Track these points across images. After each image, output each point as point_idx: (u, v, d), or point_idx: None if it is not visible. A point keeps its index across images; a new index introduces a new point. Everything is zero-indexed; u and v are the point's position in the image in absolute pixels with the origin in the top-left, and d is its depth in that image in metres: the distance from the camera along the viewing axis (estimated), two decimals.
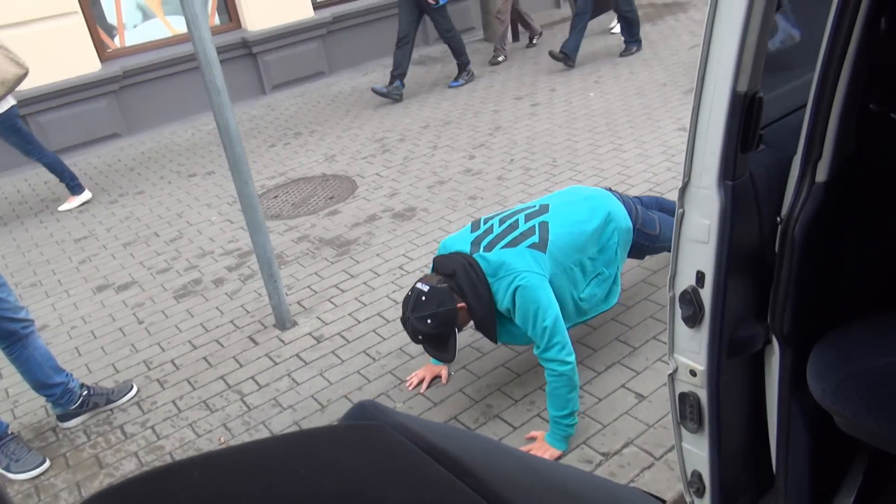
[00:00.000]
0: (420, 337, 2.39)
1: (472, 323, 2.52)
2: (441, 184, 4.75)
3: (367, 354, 3.11)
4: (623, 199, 2.76)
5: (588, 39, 7.80)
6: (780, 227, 1.33)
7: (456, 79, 6.99)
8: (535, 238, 2.45)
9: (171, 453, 2.71)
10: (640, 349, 2.86)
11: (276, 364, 3.15)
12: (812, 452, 1.51)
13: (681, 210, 1.38)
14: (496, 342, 2.54)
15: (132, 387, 3.09)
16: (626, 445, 2.41)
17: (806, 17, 1.40)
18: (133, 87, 6.70)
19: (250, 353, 3.26)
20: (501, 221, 2.58)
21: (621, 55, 6.97)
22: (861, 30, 1.14)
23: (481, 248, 2.47)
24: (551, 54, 6.81)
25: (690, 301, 1.43)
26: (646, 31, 7.80)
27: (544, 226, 2.50)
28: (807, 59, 1.43)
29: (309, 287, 3.74)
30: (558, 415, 2.38)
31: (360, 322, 3.36)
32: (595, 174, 4.47)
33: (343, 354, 3.14)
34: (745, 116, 1.21)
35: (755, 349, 1.53)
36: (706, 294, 1.41)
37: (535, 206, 2.64)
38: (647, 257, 3.22)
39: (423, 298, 2.35)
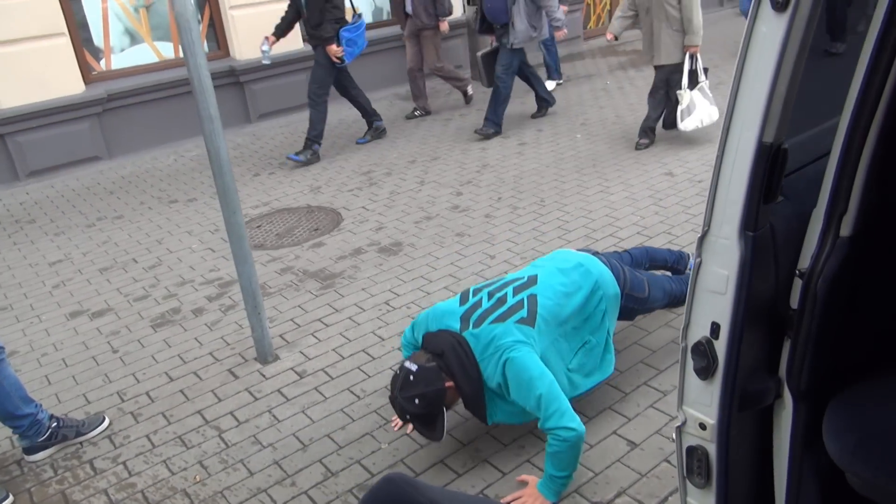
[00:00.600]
0: (408, 417, 2.38)
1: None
2: (428, 219, 4.72)
3: (352, 392, 3.03)
4: (610, 263, 2.75)
5: (575, 81, 7.92)
6: (801, 281, 1.30)
7: (364, 135, 6.60)
8: (523, 312, 2.45)
9: (144, 491, 2.59)
10: (631, 395, 2.81)
11: (257, 399, 3.05)
12: None
13: (698, 259, 1.35)
14: (486, 423, 2.51)
15: (104, 419, 2.97)
16: (618, 495, 2.34)
17: (823, 66, 1.40)
18: (116, 111, 6.62)
19: (230, 388, 3.16)
20: (490, 295, 2.57)
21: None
22: (894, 83, 1.14)
23: (470, 325, 2.46)
24: (477, 132, 6.32)
25: (704, 353, 1.39)
26: (630, 76, 7.95)
27: (533, 299, 2.50)
28: (822, 109, 1.43)
29: (292, 320, 3.66)
30: (556, 475, 2.31)
31: (344, 358, 3.27)
32: (583, 215, 4.47)
33: (326, 391, 3.05)
34: (770, 167, 1.19)
35: (766, 403, 1.49)
36: (720, 346, 1.38)
37: (523, 278, 2.63)
38: None
39: (412, 378, 2.33)
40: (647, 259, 3.09)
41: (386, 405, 2.91)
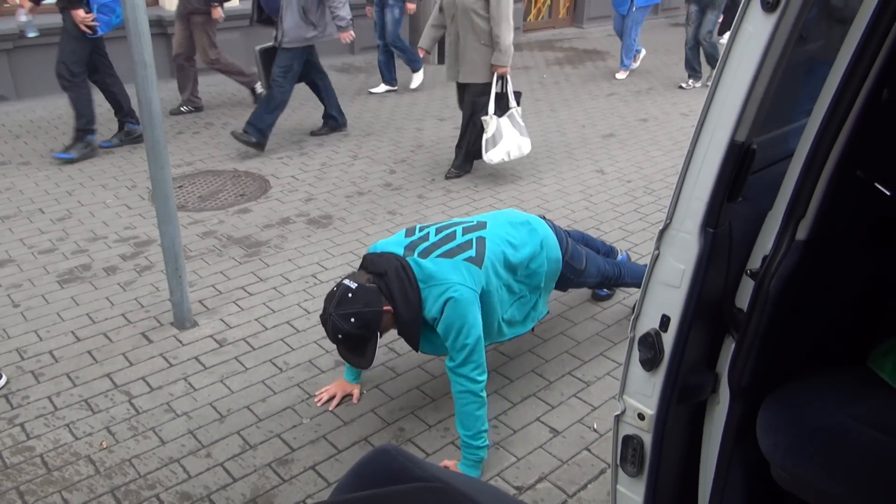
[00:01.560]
0: (340, 336, 2.24)
1: (394, 334, 2.44)
2: (360, 195, 4.63)
3: (274, 364, 2.94)
4: (556, 229, 2.77)
5: (513, 73, 7.95)
6: (752, 280, 1.34)
7: (66, 150, 5.06)
8: (471, 252, 2.41)
9: (43, 455, 2.42)
10: (556, 384, 2.85)
11: (172, 366, 2.91)
12: None
13: (656, 252, 1.36)
14: (417, 350, 2.46)
15: (0, 375, 2.76)
16: (539, 480, 2.37)
17: (789, 70, 1.44)
18: (29, 49, 6.15)
19: (142, 352, 3.00)
20: (438, 231, 2.51)
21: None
22: (864, 97, 1.17)
23: (416, 253, 2.39)
24: (234, 134, 5.24)
25: (652, 345, 1.41)
26: (566, 72, 8.06)
27: (481, 241, 2.46)
28: (786, 111, 1.47)
29: (213, 286, 3.51)
30: (467, 434, 2.32)
31: (267, 329, 3.17)
32: (515, 203, 4.50)
33: (247, 362, 2.95)
34: (738, 166, 1.21)
35: (702, 397, 1.53)
36: (668, 339, 1.40)
37: (472, 222, 2.59)
38: (567, 292, 3.26)
39: (350, 296, 2.22)
40: (582, 240, 3.13)
41: (310, 379, 2.84)
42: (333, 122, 5.80)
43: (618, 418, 1.56)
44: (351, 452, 2.48)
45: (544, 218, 2.83)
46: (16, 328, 3.13)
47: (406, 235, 2.52)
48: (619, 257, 3.31)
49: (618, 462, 1.61)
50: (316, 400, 2.71)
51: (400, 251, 2.42)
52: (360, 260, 3.63)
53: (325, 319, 2.27)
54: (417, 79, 7.27)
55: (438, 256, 2.38)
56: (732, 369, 1.40)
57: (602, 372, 2.92)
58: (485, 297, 2.40)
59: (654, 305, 1.40)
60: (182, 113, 6.25)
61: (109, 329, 3.15)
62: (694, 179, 1.27)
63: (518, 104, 4.66)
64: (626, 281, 3.10)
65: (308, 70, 5.39)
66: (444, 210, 4.42)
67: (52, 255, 3.77)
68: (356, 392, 2.73)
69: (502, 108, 4.58)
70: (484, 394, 2.33)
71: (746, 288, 1.39)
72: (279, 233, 4.08)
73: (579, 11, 10.64)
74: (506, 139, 4.56)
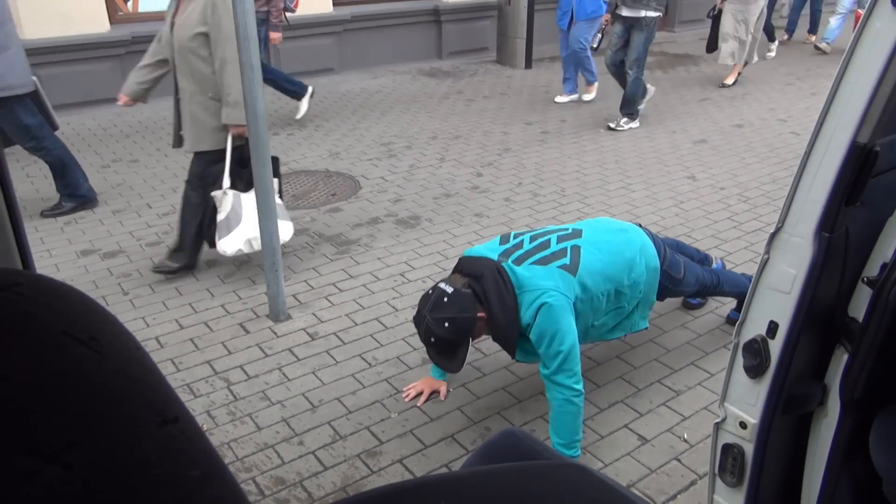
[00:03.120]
0: (432, 339, 2.28)
1: (484, 336, 2.46)
2: (447, 196, 4.69)
3: (363, 359, 3.01)
4: (653, 237, 2.72)
5: (603, 77, 7.85)
6: (870, 289, 1.28)
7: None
8: (566, 260, 2.39)
9: None
10: (644, 391, 2.80)
11: (267, 356, 3.03)
12: None
13: (766, 256, 1.33)
14: (514, 357, 2.46)
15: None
16: (627, 488, 2.34)
17: None
18: (139, 54, 6.50)
19: (240, 341, 3.14)
20: (532, 239, 2.51)
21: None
22: None
23: (510, 260, 2.40)
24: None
25: (758, 351, 1.38)
26: (657, 77, 7.89)
27: (576, 250, 2.44)
28: None
29: (306, 282, 3.63)
30: (560, 442, 2.33)
31: (357, 325, 3.25)
32: (603, 209, 4.45)
33: (338, 355, 3.04)
34: (859, 168, 1.17)
35: (809, 409, 1.48)
36: (775, 346, 1.36)
37: (567, 230, 2.58)
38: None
39: (446, 300, 2.25)
40: (676, 248, 3.06)
41: (398, 375, 2.90)
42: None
43: (717, 426, 1.53)
44: (437, 448, 2.52)
45: (641, 226, 2.79)
46: (125, 314, 3.33)
47: (500, 243, 2.53)
48: (715, 265, 3.22)
49: (716, 471, 1.57)
50: (404, 395, 2.76)
51: (494, 257, 2.43)
52: (448, 260, 3.70)
53: (419, 322, 2.31)
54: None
55: (532, 263, 2.38)
56: (845, 381, 1.34)
57: (693, 382, 2.85)
58: (578, 306, 2.39)
59: (761, 311, 1.37)
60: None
61: (210, 319, 3.31)
62: (810, 181, 1.23)
63: (280, 186, 3.42)
64: (723, 290, 3.01)
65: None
66: (531, 213, 4.41)
67: (157, 247, 3.99)
68: (443, 389, 2.76)
69: (245, 182, 3.33)
70: (581, 402, 2.31)
71: (862, 296, 1.34)
72: (369, 232, 4.17)
73: (671, 15, 10.38)
74: (244, 223, 3.32)
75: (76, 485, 0.25)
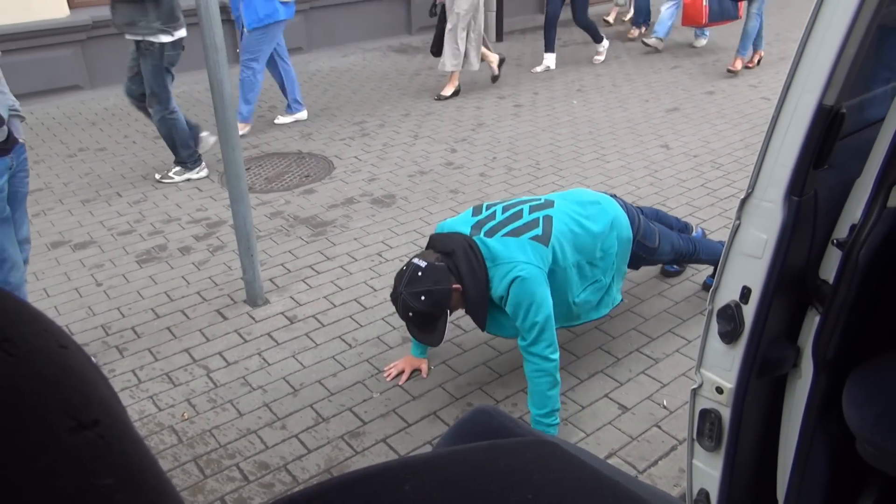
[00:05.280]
0: (410, 314, 2.30)
1: (460, 310, 2.47)
2: (422, 174, 4.66)
3: (343, 340, 3.00)
4: (627, 207, 2.72)
5: (573, 47, 7.83)
6: (839, 250, 1.29)
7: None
8: (538, 230, 2.39)
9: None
10: (624, 360, 2.83)
11: (246, 341, 3.01)
12: (829, 481, 1.49)
13: (737, 222, 1.33)
14: (484, 329, 2.47)
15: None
16: (609, 456, 2.37)
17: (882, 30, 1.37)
18: (101, 39, 6.37)
19: (218, 328, 3.11)
20: (505, 209, 2.51)
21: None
22: None
23: (482, 233, 2.40)
24: None
25: (732, 317, 1.39)
26: (628, 47, 7.88)
27: (548, 220, 2.44)
28: (879, 73, 1.40)
29: (282, 265, 3.60)
30: (539, 413, 2.35)
31: (335, 306, 3.24)
32: (578, 181, 4.45)
33: (317, 338, 3.02)
34: (826, 131, 1.17)
35: (783, 371, 1.50)
36: (749, 310, 1.37)
37: (540, 200, 2.58)
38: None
39: (420, 274, 2.26)
40: (655, 217, 3.07)
41: (378, 355, 2.89)
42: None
43: (695, 392, 1.55)
44: (420, 426, 2.52)
45: (615, 196, 2.79)
46: (100, 306, 3.29)
47: (473, 214, 2.53)
48: (695, 233, 3.24)
49: (694, 436, 1.59)
50: (385, 375, 2.76)
51: (467, 230, 2.43)
52: (424, 238, 3.68)
53: (396, 298, 2.32)
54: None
55: (504, 235, 2.38)
56: (817, 342, 1.36)
57: (671, 349, 2.88)
58: (552, 276, 2.40)
59: (734, 277, 1.37)
60: None
61: (186, 306, 3.27)
62: (778, 146, 1.23)
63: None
64: (700, 258, 3.03)
65: None
66: (507, 188, 4.40)
67: (130, 236, 3.93)
68: (424, 367, 2.77)
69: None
70: (557, 373, 2.33)
71: (832, 258, 1.35)
72: (344, 212, 4.14)
73: None
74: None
75: None
